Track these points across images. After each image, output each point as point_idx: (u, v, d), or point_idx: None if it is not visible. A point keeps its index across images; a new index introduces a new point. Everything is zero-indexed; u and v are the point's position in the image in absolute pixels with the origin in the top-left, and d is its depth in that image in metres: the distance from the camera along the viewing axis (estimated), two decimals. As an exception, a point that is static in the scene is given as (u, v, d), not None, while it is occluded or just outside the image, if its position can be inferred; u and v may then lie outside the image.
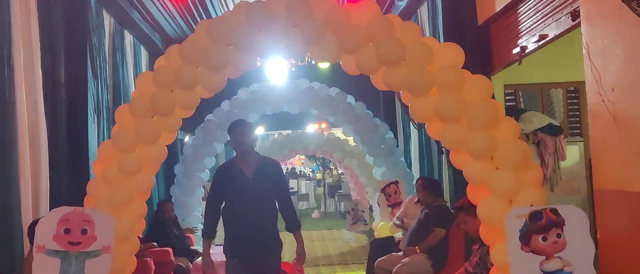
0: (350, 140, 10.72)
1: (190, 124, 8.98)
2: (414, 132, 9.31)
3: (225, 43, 4.11)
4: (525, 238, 3.21)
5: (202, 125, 8.82)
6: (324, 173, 22.43)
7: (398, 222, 6.83)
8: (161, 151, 4.40)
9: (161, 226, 7.06)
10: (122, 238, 4.30)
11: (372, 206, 11.55)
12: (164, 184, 9.09)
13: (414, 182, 8.93)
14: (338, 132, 13.34)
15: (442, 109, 3.62)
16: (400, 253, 6.19)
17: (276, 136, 12.85)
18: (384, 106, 10.57)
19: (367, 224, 14.77)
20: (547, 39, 5.02)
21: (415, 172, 9.30)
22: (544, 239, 3.18)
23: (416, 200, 6.85)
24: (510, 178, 3.52)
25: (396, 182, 8.17)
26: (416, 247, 5.98)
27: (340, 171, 22.41)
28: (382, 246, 6.77)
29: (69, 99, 6.11)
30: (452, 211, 6.22)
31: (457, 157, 3.75)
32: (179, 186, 8.61)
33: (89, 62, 6.49)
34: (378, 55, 3.74)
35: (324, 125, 22.85)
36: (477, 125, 3.57)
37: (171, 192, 8.68)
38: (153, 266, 6.13)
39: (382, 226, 8.12)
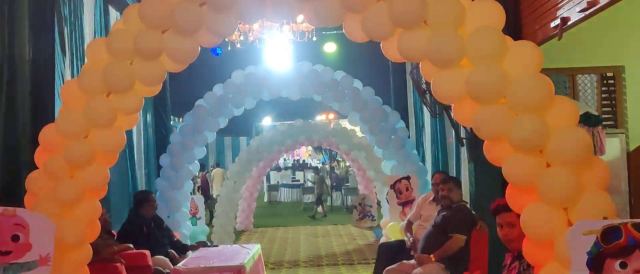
0: (358, 130, 9.87)
1: (180, 110, 8.17)
2: (428, 122, 8.40)
3: (198, 1, 3.23)
4: (596, 264, 2.30)
5: (191, 111, 7.97)
6: (330, 165, 21.63)
7: (408, 235, 5.91)
8: (118, 137, 3.56)
9: (136, 223, 6.23)
10: (70, 245, 3.50)
11: (380, 202, 10.72)
12: (155, 177, 8.24)
13: (428, 177, 8.05)
14: (346, 123, 12.51)
15: (475, 85, 2.72)
16: (413, 261, 5.31)
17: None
18: (395, 91, 9.67)
19: (375, 220, 14.04)
20: (598, 5, 4.10)
21: (428, 167, 8.42)
22: (623, 265, 2.28)
23: (431, 199, 5.95)
24: (566, 178, 2.62)
25: (408, 178, 7.27)
26: (431, 255, 5.10)
27: (347, 164, 21.63)
28: (391, 251, 5.89)
29: (34, 78, 5.32)
30: (473, 213, 5.33)
31: (494, 149, 2.85)
32: (165, 179, 7.77)
33: (57, 34, 5.67)
34: (392, 15, 2.85)
35: (331, 116, 22.01)
36: (522, 106, 2.68)
37: (156, 186, 7.85)
38: (124, 273, 5.31)
39: (392, 227, 7.24)
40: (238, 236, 12.55)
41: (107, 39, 3.39)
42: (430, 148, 8.43)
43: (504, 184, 5.69)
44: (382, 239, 9.08)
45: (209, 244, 7.03)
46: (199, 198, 10.01)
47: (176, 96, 10.05)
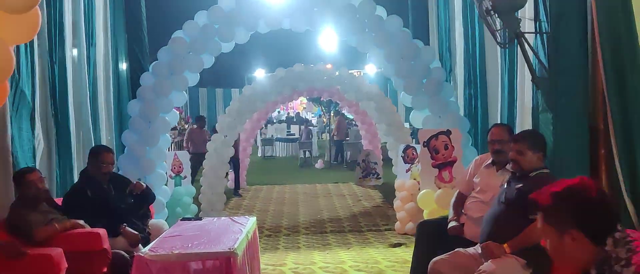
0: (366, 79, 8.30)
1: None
2: (460, 59, 6.76)
3: None
4: None
5: (167, 46, 6.27)
6: (329, 118, 20.25)
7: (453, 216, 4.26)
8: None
9: (78, 189, 4.68)
10: None
11: (392, 159, 9.28)
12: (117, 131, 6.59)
13: (468, 131, 6.40)
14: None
15: None
16: (472, 250, 3.77)
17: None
18: (413, 20, 8.06)
19: (380, 179, 12.76)
20: None
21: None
22: None
23: (489, 162, 4.32)
24: None
25: (448, 133, 5.65)
26: (505, 244, 3.56)
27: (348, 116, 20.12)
28: (435, 233, 4.30)
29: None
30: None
31: None
32: (134, 132, 6.12)
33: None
34: None
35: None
36: None
37: (123, 140, 6.21)
38: (63, 263, 3.76)
39: (425, 196, 5.65)
40: (230, 195, 11.14)
41: None
42: (464, 94, 6.82)
43: (594, 142, 4.11)
44: (397, 206, 7.63)
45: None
46: (184, 154, 8.49)
47: (154, 32, 8.37)
